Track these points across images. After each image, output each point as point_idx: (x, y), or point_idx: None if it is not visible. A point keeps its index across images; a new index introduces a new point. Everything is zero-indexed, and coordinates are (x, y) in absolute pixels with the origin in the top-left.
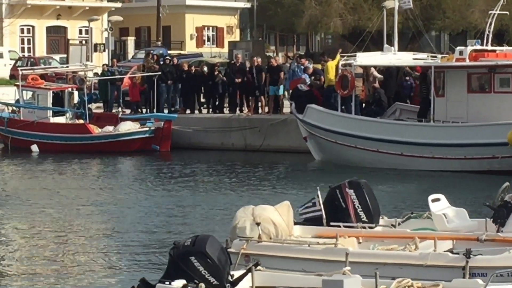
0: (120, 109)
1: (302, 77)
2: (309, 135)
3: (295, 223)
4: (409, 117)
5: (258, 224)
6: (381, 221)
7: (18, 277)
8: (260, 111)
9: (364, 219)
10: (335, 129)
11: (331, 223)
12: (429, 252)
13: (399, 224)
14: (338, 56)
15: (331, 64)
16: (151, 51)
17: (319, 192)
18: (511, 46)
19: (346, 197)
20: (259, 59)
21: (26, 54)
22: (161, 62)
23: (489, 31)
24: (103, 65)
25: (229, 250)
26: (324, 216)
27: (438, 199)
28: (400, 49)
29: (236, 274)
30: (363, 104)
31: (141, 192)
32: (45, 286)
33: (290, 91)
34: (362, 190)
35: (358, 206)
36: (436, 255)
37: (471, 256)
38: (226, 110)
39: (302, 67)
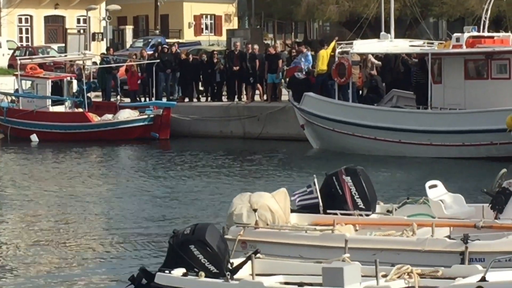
0: (118, 97)
1: (299, 65)
2: (306, 123)
3: (292, 211)
4: (407, 104)
5: (255, 210)
6: (377, 207)
7: (17, 264)
8: (258, 98)
9: (361, 206)
10: (332, 117)
11: (328, 211)
12: (427, 237)
13: (395, 209)
14: (332, 44)
15: (323, 53)
16: (149, 40)
17: (315, 180)
18: (508, 32)
19: (342, 184)
20: (256, 46)
21: (24, 43)
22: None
23: (485, 17)
24: (101, 54)
25: (226, 237)
26: (320, 203)
27: (435, 185)
28: (398, 36)
29: (236, 262)
30: (360, 92)
31: (140, 180)
32: (44, 273)
33: (287, 79)
34: (359, 177)
35: (355, 193)
36: (434, 241)
37: (468, 241)
38: (224, 98)
39: (301, 56)
